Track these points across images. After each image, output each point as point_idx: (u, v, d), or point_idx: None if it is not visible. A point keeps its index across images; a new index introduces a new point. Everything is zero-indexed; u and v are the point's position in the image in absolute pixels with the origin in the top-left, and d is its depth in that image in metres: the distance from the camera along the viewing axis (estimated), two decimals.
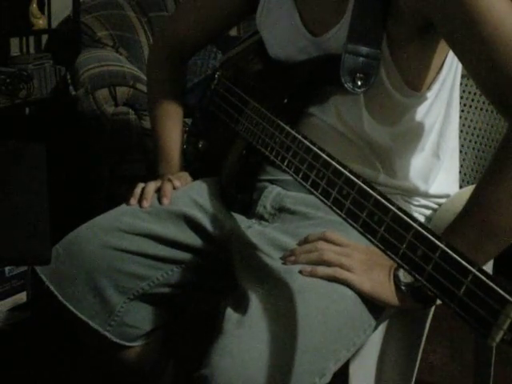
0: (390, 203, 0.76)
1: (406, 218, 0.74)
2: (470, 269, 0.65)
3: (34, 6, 2.19)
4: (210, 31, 1.25)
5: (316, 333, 0.86)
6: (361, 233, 0.80)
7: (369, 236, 0.78)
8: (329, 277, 0.91)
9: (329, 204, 0.85)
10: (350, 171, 0.83)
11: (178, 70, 1.31)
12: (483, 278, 0.64)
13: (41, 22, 2.22)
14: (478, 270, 0.64)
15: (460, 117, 1.36)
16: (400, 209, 0.76)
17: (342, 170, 0.84)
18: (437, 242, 0.70)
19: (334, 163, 0.85)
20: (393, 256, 0.75)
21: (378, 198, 0.78)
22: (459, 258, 0.67)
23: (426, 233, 0.71)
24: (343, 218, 0.83)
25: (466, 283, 0.65)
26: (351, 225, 0.82)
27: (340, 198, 0.83)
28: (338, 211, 0.83)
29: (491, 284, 0.63)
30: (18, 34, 2.28)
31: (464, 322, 0.65)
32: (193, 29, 1.25)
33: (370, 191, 0.79)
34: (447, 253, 0.68)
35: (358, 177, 0.82)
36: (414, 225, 0.73)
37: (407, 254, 0.72)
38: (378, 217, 0.77)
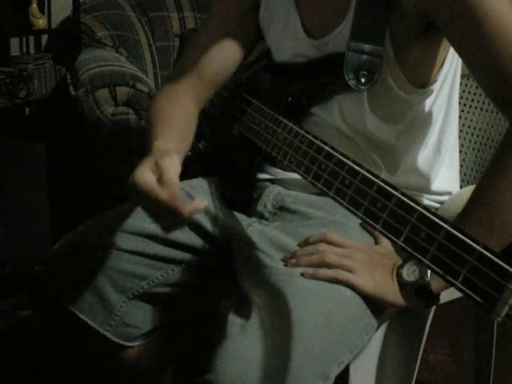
0: (394, 189, 0.77)
1: (409, 201, 0.74)
2: (474, 246, 0.66)
3: (34, 6, 2.19)
4: (227, 65, 1.13)
5: (319, 336, 0.86)
6: (363, 219, 0.80)
7: (371, 222, 0.79)
8: (331, 279, 0.91)
9: (331, 194, 0.85)
10: (354, 161, 0.83)
11: (192, 112, 1.12)
12: (488, 254, 0.64)
13: (41, 22, 2.22)
14: (483, 247, 0.65)
15: (460, 117, 1.36)
16: (404, 194, 0.76)
17: (346, 160, 0.84)
18: (441, 222, 0.70)
19: (337, 155, 0.86)
20: (395, 239, 0.75)
21: (382, 184, 0.78)
22: (463, 237, 0.67)
23: (429, 215, 0.72)
24: (345, 207, 0.83)
25: (470, 260, 0.65)
26: (353, 212, 0.82)
27: (342, 188, 0.83)
28: (341, 200, 0.84)
29: (496, 260, 0.63)
30: (18, 34, 2.28)
31: (468, 298, 0.66)
32: (209, 64, 1.11)
33: (373, 179, 0.79)
34: (451, 233, 0.68)
35: (361, 166, 0.82)
36: (418, 208, 0.73)
37: (411, 237, 0.73)
38: (381, 203, 0.77)
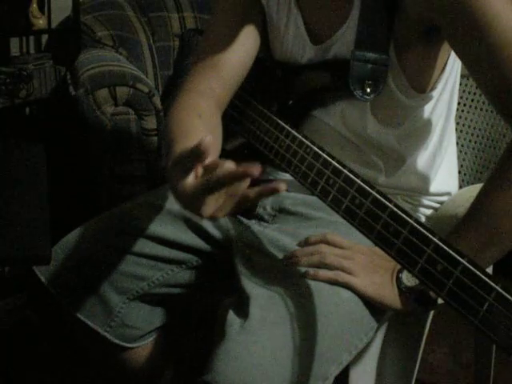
0: (388, 200, 0.78)
1: (402, 214, 0.76)
2: (459, 260, 0.69)
3: (34, 6, 2.19)
4: (244, 61, 1.08)
5: (319, 337, 0.86)
6: (358, 229, 0.82)
7: (365, 232, 0.81)
8: (331, 280, 0.92)
9: (328, 202, 0.86)
10: (350, 170, 0.84)
11: (217, 117, 1.03)
12: (472, 268, 0.68)
13: (41, 22, 2.21)
14: (467, 261, 0.68)
15: (460, 117, 1.36)
16: (397, 206, 0.77)
17: (342, 168, 0.85)
18: (430, 236, 0.73)
19: (333, 162, 0.86)
20: (388, 251, 0.78)
21: (377, 195, 0.79)
22: (450, 251, 0.71)
23: (421, 228, 0.74)
24: (341, 215, 0.85)
25: (455, 273, 0.69)
26: (349, 222, 0.83)
27: (339, 197, 0.84)
28: (337, 209, 0.85)
29: (479, 273, 0.67)
30: (18, 34, 2.28)
31: (453, 309, 0.69)
32: (226, 62, 1.05)
33: (369, 189, 0.81)
34: (440, 246, 0.71)
35: (357, 175, 0.83)
36: (410, 221, 0.75)
37: (402, 249, 0.75)
38: (376, 214, 0.79)
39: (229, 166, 0.71)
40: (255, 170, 0.69)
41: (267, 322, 0.85)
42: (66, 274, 1.07)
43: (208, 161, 0.72)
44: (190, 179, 0.74)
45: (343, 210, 0.83)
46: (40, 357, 1.69)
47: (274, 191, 0.71)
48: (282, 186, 0.70)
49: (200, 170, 0.74)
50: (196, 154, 0.71)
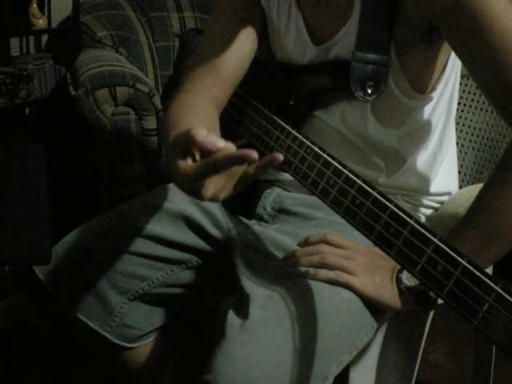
0: (389, 201, 0.78)
1: (402, 215, 0.76)
2: (459, 260, 0.69)
3: (34, 6, 2.19)
4: (242, 61, 1.08)
5: (319, 337, 0.86)
6: (358, 230, 0.82)
7: (366, 233, 0.81)
8: (331, 280, 0.92)
9: (328, 203, 0.86)
10: (350, 170, 0.84)
11: (214, 114, 1.04)
12: (472, 268, 0.67)
13: (41, 22, 2.21)
14: (467, 262, 0.68)
15: (460, 117, 1.37)
16: (397, 206, 0.77)
17: (342, 169, 0.85)
18: (431, 237, 0.72)
19: (334, 163, 0.86)
20: (388, 251, 0.77)
21: (377, 196, 0.79)
22: (451, 251, 0.70)
23: (421, 229, 0.74)
24: (342, 215, 0.85)
25: (455, 274, 0.68)
26: (349, 222, 0.83)
27: (339, 197, 0.84)
28: (337, 209, 0.85)
29: (479, 274, 0.66)
30: (18, 34, 2.28)
31: (452, 309, 0.69)
32: (224, 62, 1.06)
33: (369, 190, 0.81)
34: (440, 247, 0.71)
35: (357, 176, 0.83)
36: (411, 221, 0.75)
37: (403, 250, 0.75)
38: (376, 214, 0.79)
39: (227, 150, 0.71)
40: (254, 154, 0.68)
41: (267, 322, 0.85)
42: (66, 274, 1.07)
43: (207, 143, 0.72)
44: (189, 161, 0.75)
45: (343, 210, 0.83)
46: (40, 357, 1.69)
47: (273, 162, 0.71)
48: (279, 157, 0.70)
49: (198, 153, 0.75)
50: (191, 138, 0.72)
